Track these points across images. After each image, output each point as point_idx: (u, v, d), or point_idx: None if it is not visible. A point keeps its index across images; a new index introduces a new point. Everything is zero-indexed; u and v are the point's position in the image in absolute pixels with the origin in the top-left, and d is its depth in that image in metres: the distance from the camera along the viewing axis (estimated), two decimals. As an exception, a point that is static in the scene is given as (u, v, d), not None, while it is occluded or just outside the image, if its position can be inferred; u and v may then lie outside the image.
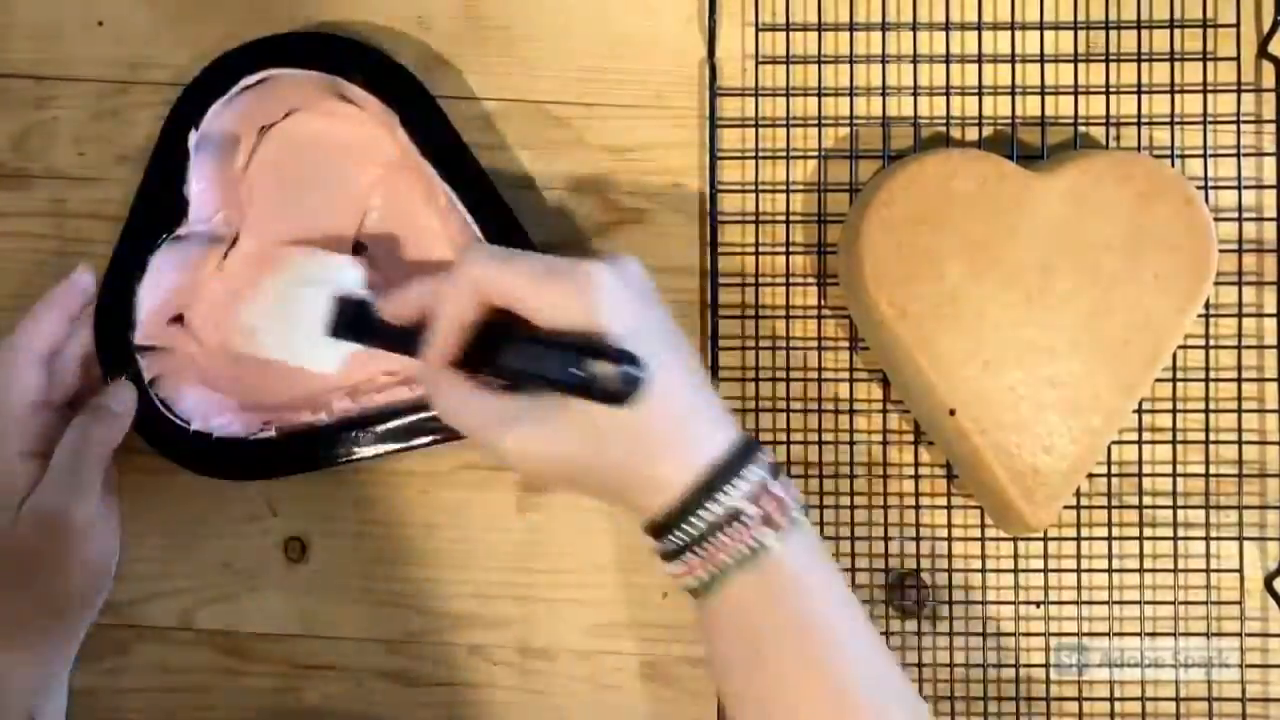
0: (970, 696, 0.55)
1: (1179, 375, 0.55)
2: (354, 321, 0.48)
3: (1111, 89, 0.55)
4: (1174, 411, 0.55)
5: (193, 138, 0.51)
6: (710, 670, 0.43)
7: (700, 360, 0.45)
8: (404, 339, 0.45)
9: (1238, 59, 0.55)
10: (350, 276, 0.51)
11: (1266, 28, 0.54)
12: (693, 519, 0.41)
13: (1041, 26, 0.55)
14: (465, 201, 0.51)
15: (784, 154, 0.55)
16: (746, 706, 0.42)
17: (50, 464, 0.49)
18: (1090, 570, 0.55)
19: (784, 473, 0.43)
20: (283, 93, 0.53)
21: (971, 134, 0.55)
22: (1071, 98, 0.55)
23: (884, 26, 0.55)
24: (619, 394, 0.40)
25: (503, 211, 0.51)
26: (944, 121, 0.55)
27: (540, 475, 0.43)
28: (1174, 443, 0.55)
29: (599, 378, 0.40)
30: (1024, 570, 0.55)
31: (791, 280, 0.55)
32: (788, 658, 0.41)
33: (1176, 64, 0.55)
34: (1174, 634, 0.55)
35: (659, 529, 0.42)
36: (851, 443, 0.55)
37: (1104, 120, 0.55)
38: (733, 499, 0.41)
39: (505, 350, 0.42)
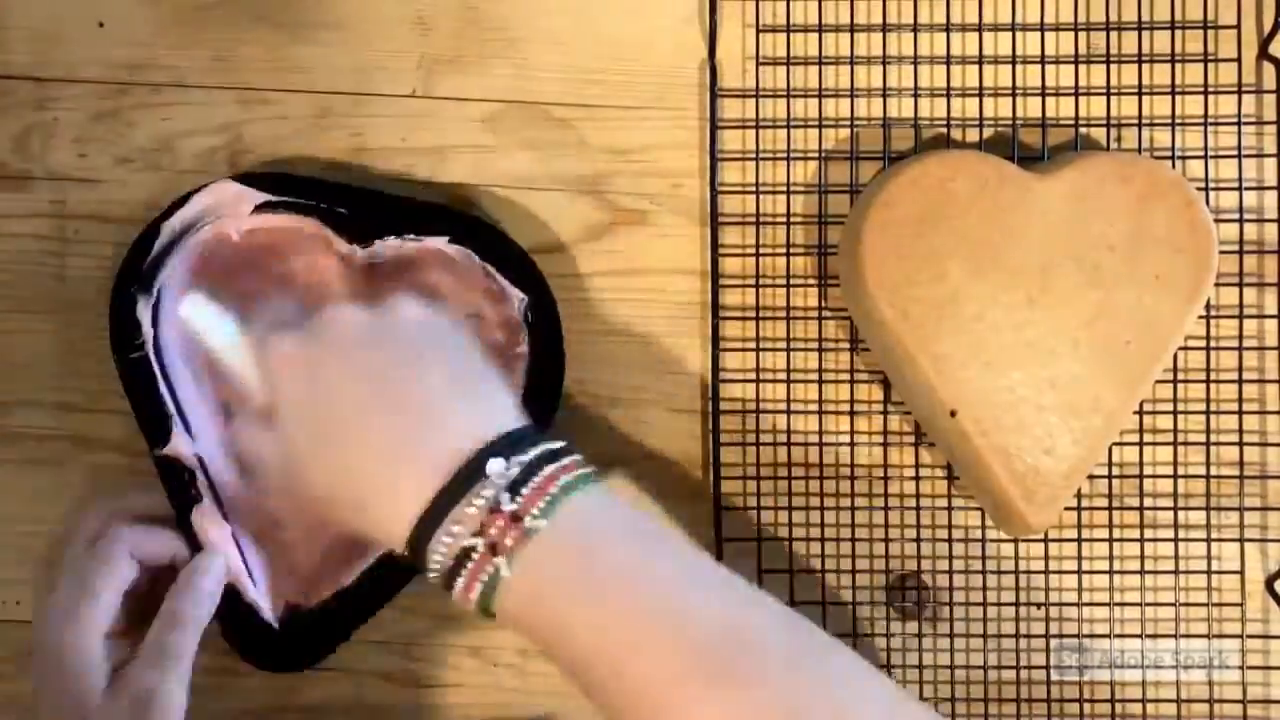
0: (971, 698, 0.55)
1: (1180, 376, 0.55)
2: None
3: (1112, 90, 0.55)
4: (1175, 413, 0.55)
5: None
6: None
7: (437, 388, 0.43)
8: None
9: (1239, 60, 0.55)
10: None
11: (1267, 29, 0.54)
12: (430, 564, 0.40)
13: (1042, 28, 0.55)
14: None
15: (784, 155, 0.55)
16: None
17: (144, 642, 0.47)
18: (1091, 572, 0.55)
19: (544, 464, 0.40)
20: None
21: (972, 135, 0.55)
22: (1072, 99, 0.55)
23: (884, 28, 0.55)
24: None
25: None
26: (945, 123, 0.55)
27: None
28: (1175, 444, 0.55)
29: None
30: (1025, 572, 0.55)
31: (792, 282, 0.55)
32: (619, 632, 0.39)
33: (1177, 65, 0.55)
34: (1175, 635, 0.55)
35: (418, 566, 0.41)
36: (852, 444, 0.55)
37: (1105, 122, 0.55)
38: (452, 540, 0.40)
39: None
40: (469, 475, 0.40)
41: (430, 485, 0.40)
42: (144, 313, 0.51)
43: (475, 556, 0.39)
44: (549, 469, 0.40)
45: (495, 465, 0.40)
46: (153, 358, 0.51)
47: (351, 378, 0.43)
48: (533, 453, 0.41)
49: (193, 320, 0.48)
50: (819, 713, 0.38)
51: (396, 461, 0.41)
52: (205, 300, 0.48)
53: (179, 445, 0.51)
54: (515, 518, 0.39)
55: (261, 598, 0.51)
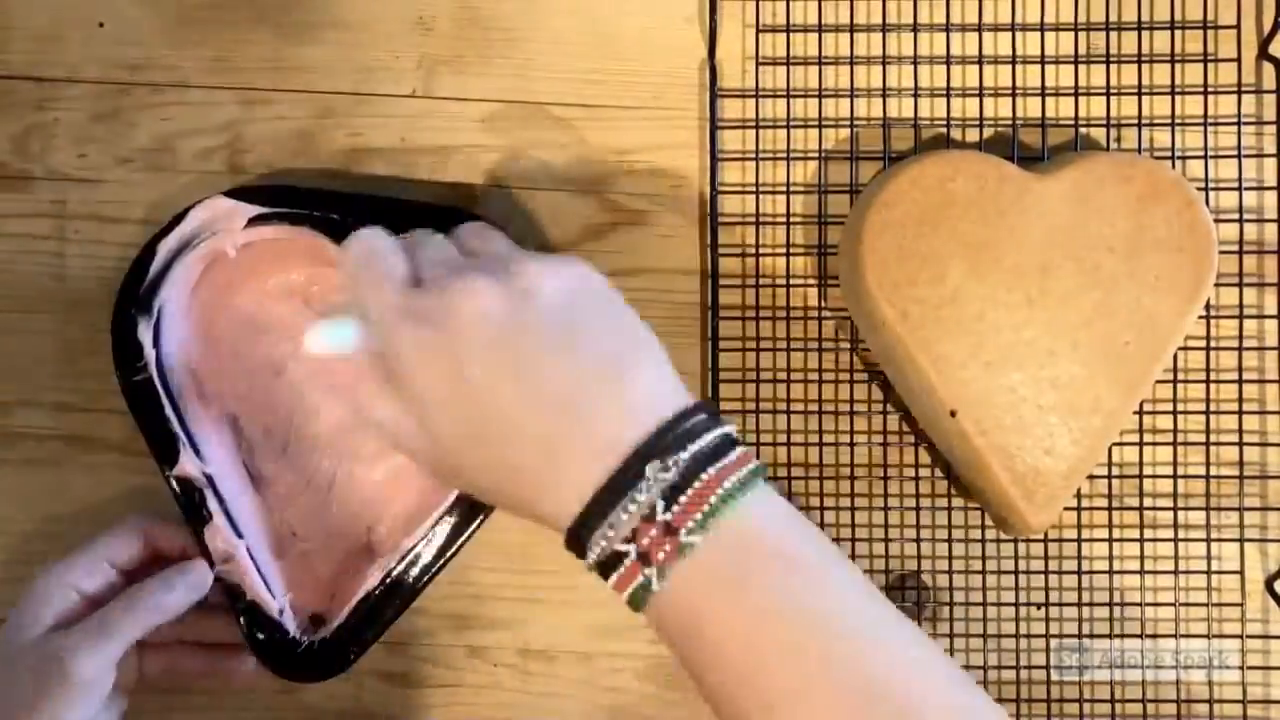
0: (971, 698, 0.55)
1: (1180, 376, 0.55)
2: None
3: (1112, 90, 0.55)
4: (1175, 413, 0.55)
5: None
6: None
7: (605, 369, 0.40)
8: None
9: (1238, 60, 0.55)
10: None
11: (1267, 29, 0.54)
12: (587, 558, 0.38)
13: (1042, 28, 0.55)
14: None
15: (784, 155, 0.55)
16: None
17: (94, 614, 0.48)
18: (1091, 572, 0.55)
19: (704, 466, 0.38)
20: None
21: (972, 135, 0.55)
22: (1072, 99, 0.55)
23: (884, 28, 0.55)
24: None
25: None
26: (944, 123, 0.55)
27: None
28: (1175, 444, 0.55)
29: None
30: (1025, 572, 0.55)
31: (792, 282, 0.55)
32: (774, 673, 0.36)
33: (1177, 65, 0.55)
34: (1175, 635, 0.55)
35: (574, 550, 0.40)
36: (852, 444, 0.55)
37: (1105, 122, 0.55)
38: (606, 544, 0.37)
39: None
40: (625, 477, 0.38)
41: (587, 484, 0.38)
42: (145, 334, 0.51)
43: (626, 564, 0.37)
44: (710, 472, 0.37)
45: (652, 468, 0.37)
46: (156, 379, 0.51)
47: (495, 374, 0.39)
48: (692, 449, 0.38)
49: (322, 346, 0.45)
50: None
51: (552, 461, 0.39)
52: (323, 322, 0.45)
53: (186, 465, 0.51)
54: (670, 529, 0.37)
55: (283, 611, 0.52)
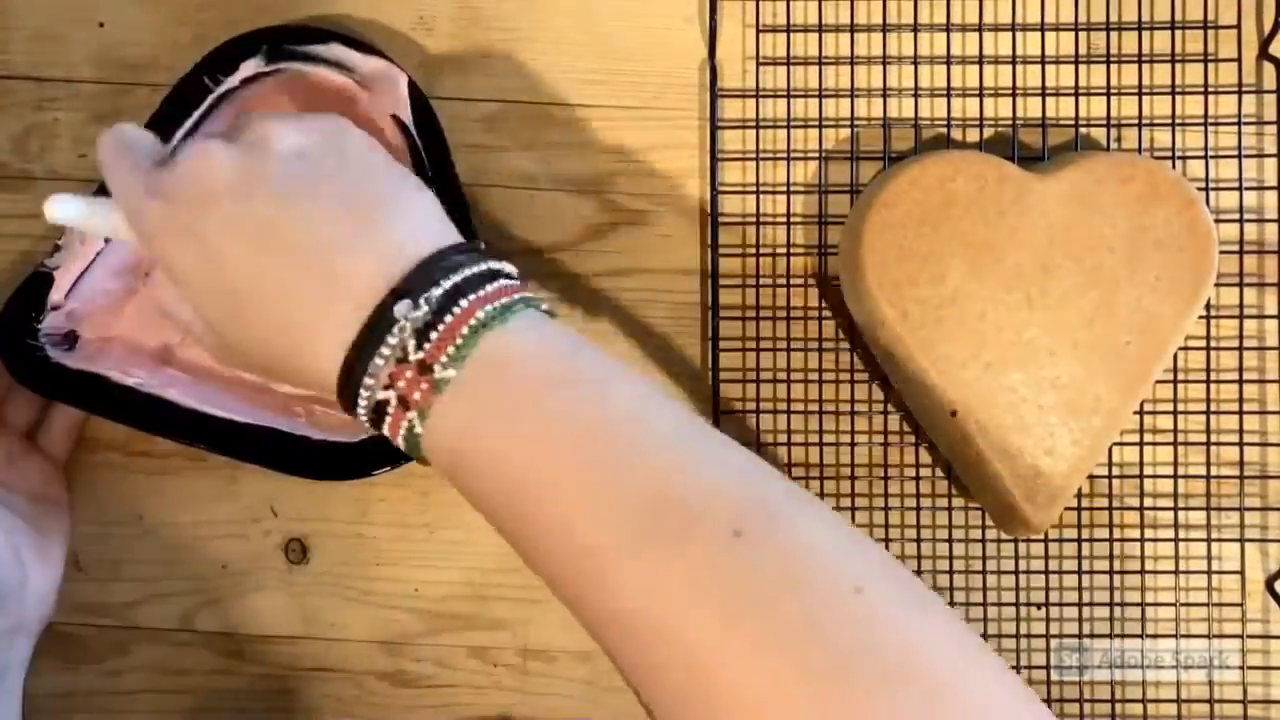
0: (971, 698, 0.55)
1: (1180, 377, 0.55)
2: None
3: (1112, 90, 0.55)
4: (1175, 413, 0.55)
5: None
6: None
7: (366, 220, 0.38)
8: None
9: (1239, 60, 0.55)
10: None
11: (1267, 29, 0.54)
12: (359, 418, 0.37)
13: (1042, 28, 0.55)
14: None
15: (784, 155, 0.55)
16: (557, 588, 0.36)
17: None
18: (1091, 571, 0.55)
19: (458, 299, 0.36)
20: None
21: (972, 135, 0.55)
22: (1072, 99, 0.55)
23: (885, 28, 0.55)
24: None
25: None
26: (945, 123, 0.55)
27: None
28: (1175, 444, 0.55)
29: None
30: (1025, 572, 0.55)
31: (792, 282, 0.55)
32: (524, 509, 0.35)
33: (1177, 65, 0.55)
34: (1175, 635, 0.55)
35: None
36: (852, 444, 0.55)
37: (1105, 122, 0.55)
38: (369, 395, 0.36)
39: None
40: (379, 320, 0.36)
41: (342, 339, 0.36)
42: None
43: (390, 411, 0.36)
44: (464, 304, 0.36)
45: (401, 308, 0.36)
46: (211, 101, 0.52)
47: (229, 238, 0.38)
48: (446, 285, 0.36)
49: (72, 221, 0.43)
50: (761, 588, 0.32)
51: (308, 314, 0.37)
52: (70, 197, 0.43)
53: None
54: (424, 367, 0.35)
55: (57, 308, 0.51)
